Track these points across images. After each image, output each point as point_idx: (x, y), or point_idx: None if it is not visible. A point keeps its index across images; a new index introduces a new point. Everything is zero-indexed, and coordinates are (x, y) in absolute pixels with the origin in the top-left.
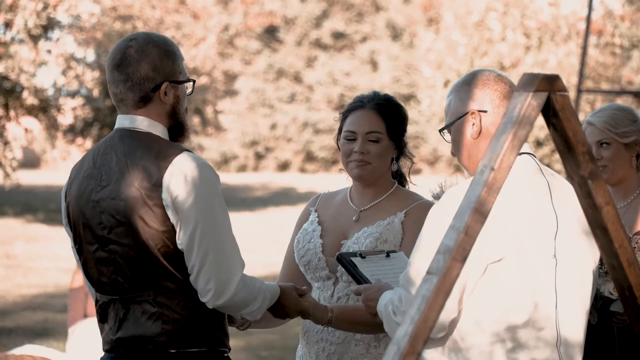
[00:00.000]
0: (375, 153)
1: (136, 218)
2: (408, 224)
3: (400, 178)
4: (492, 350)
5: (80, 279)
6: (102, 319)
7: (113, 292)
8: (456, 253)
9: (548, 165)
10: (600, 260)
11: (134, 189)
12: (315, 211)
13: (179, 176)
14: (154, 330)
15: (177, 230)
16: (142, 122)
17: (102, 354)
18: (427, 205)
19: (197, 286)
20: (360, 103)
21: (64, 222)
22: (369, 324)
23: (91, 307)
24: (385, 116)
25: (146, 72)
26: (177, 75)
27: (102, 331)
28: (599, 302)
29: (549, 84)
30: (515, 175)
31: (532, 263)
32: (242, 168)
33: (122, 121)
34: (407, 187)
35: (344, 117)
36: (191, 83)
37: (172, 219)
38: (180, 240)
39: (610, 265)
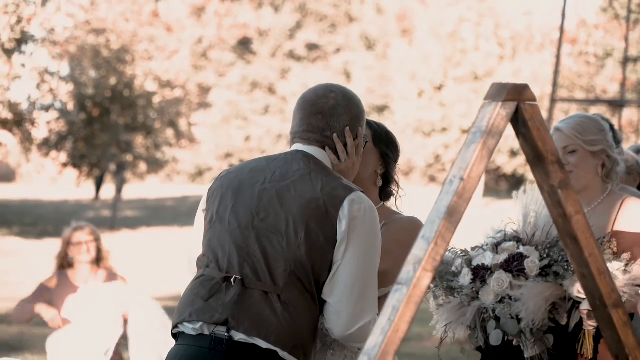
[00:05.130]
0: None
1: (311, 223)
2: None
3: (387, 197)
4: None
5: (54, 282)
6: (209, 294)
7: (240, 274)
8: (426, 263)
9: (522, 176)
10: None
11: (317, 195)
12: None
13: (358, 206)
14: (272, 320)
15: (335, 251)
16: (325, 159)
17: None
18: (405, 219)
19: (325, 312)
20: None
21: (204, 199)
22: None
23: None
24: (371, 126)
25: (345, 125)
26: (360, 133)
27: (195, 304)
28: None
29: (518, 93)
30: None
31: None
32: None
33: (306, 150)
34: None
35: None
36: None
37: (337, 239)
38: (334, 266)
39: (581, 274)
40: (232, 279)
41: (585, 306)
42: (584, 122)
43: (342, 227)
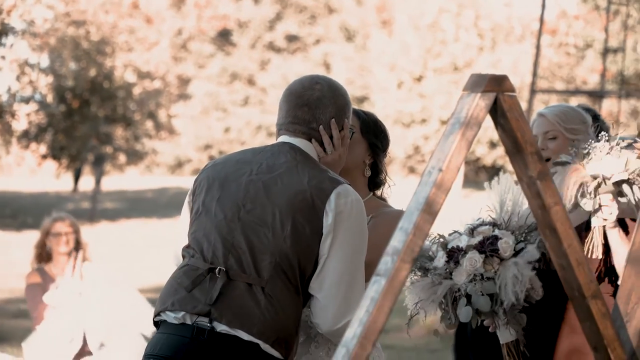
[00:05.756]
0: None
1: (297, 216)
2: (369, 228)
3: (376, 187)
4: None
5: (37, 278)
6: (193, 284)
7: (225, 265)
8: (404, 255)
9: (502, 167)
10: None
11: (304, 187)
12: None
13: (344, 199)
14: (255, 312)
15: (321, 244)
16: (312, 151)
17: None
18: (393, 212)
19: (312, 307)
20: None
21: (189, 192)
22: None
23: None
24: (359, 116)
25: (331, 117)
26: (346, 125)
27: (178, 293)
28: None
29: (496, 84)
30: None
31: None
32: (196, 172)
33: (293, 142)
34: (382, 192)
35: None
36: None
37: (323, 232)
38: (321, 260)
39: (560, 265)
40: (217, 270)
41: (605, 189)
42: (568, 111)
43: (328, 220)
